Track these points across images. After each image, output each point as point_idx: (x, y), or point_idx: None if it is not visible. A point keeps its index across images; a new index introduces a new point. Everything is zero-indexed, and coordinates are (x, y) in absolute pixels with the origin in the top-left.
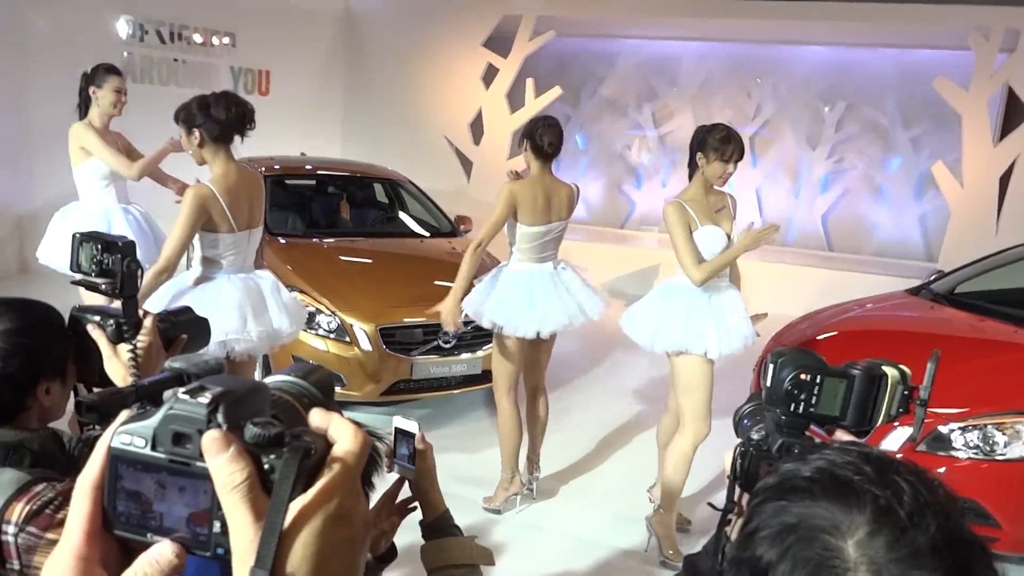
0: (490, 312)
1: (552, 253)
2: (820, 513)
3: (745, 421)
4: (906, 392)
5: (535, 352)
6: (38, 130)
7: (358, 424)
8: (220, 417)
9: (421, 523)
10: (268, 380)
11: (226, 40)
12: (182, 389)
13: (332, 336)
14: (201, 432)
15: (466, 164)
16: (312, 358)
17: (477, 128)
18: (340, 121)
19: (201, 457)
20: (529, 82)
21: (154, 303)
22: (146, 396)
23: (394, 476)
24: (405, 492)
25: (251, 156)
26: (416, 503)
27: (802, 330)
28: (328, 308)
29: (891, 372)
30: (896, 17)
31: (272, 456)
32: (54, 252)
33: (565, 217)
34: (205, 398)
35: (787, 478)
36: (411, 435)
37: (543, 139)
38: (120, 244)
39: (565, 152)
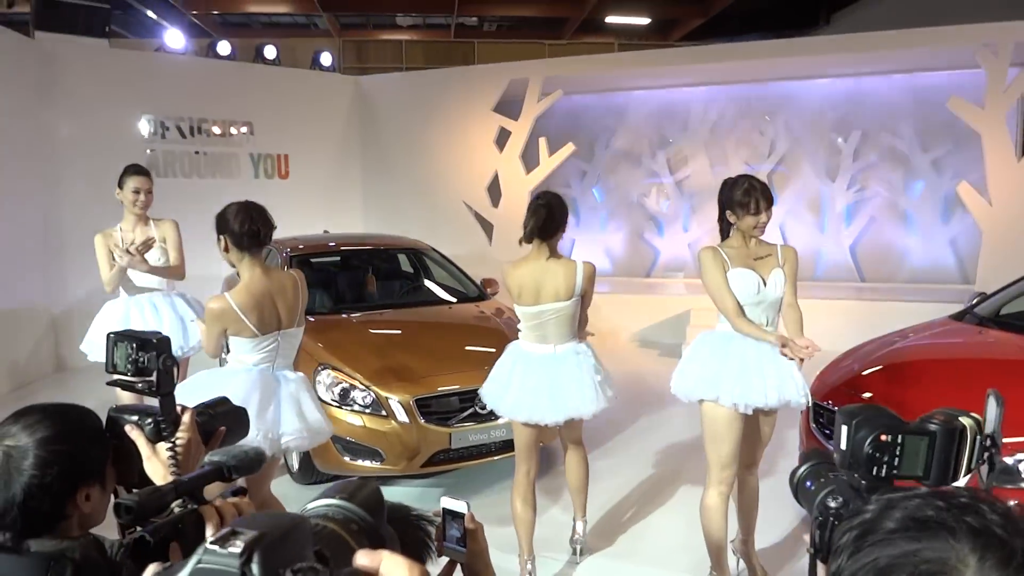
0: (487, 394)
1: (555, 334)
2: (922, 556)
3: (808, 484)
4: (983, 442)
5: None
6: (69, 231)
7: (416, 562)
8: (256, 569)
9: None
10: (310, 506)
11: (244, 129)
12: (211, 538)
13: (368, 411)
14: None
15: (487, 227)
16: (349, 435)
17: (495, 191)
18: (360, 196)
19: None
20: (542, 141)
21: (183, 391)
22: (186, 493)
23: (444, 560)
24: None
25: (275, 238)
26: None
27: (847, 366)
28: (362, 383)
29: (968, 423)
30: (904, 42)
31: None
32: (99, 345)
33: (564, 298)
34: (236, 547)
35: (868, 531)
36: (460, 515)
37: (526, 223)
38: (155, 341)
39: (584, 206)
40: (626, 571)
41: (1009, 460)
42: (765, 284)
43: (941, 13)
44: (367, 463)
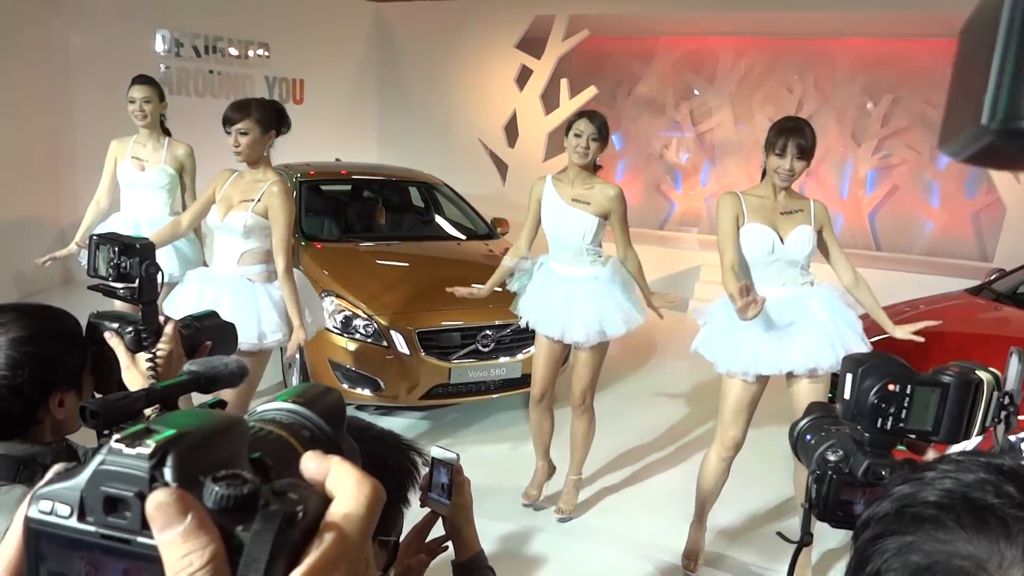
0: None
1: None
2: (959, 550)
3: (808, 438)
4: (1001, 398)
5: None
6: (79, 144)
7: (371, 477)
8: (169, 472)
9: (453, 563)
10: (259, 408)
11: (260, 51)
12: (117, 435)
13: (369, 340)
14: (143, 496)
15: (501, 167)
16: (349, 363)
17: (512, 130)
18: (375, 127)
19: (145, 530)
20: (563, 83)
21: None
22: (159, 401)
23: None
24: (438, 529)
25: (287, 163)
26: (449, 541)
27: None
28: (365, 312)
29: (985, 376)
30: (944, 4)
31: (241, 527)
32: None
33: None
34: (147, 447)
35: (907, 505)
36: (449, 465)
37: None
38: (138, 246)
39: (602, 153)
40: (618, 517)
41: (1013, 438)
42: (783, 242)
43: None
44: (366, 392)
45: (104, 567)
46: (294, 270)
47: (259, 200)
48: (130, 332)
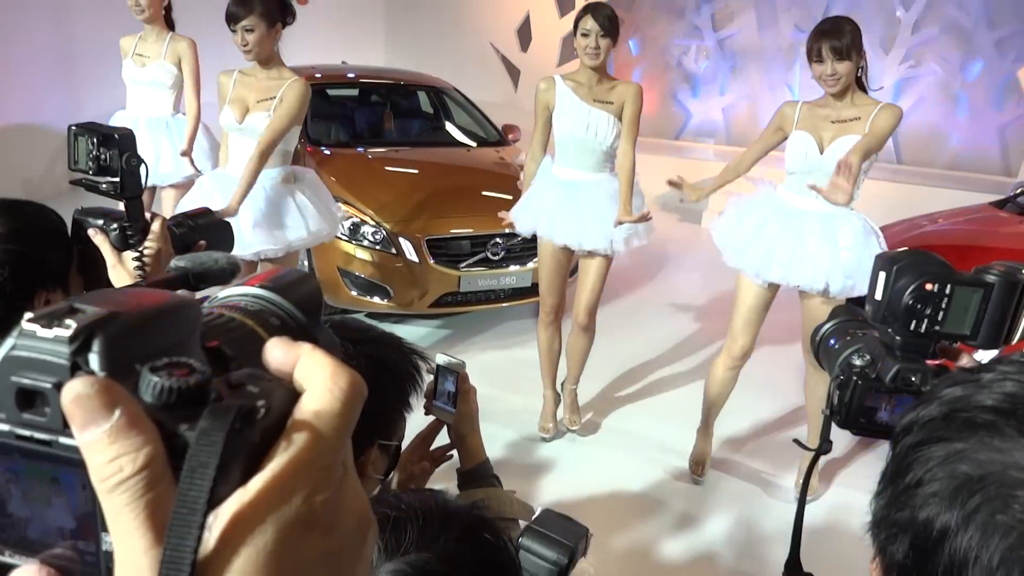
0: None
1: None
2: (1018, 460)
3: (832, 342)
4: None
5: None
6: (85, 44)
7: (344, 361)
8: (95, 359)
9: (458, 471)
10: (221, 294)
11: None
12: (30, 314)
13: (378, 247)
14: (61, 387)
15: (513, 72)
16: (358, 270)
17: (525, 34)
18: (383, 29)
19: (68, 429)
20: None
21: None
22: None
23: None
24: (443, 437)
25: (293, 65)
26: (454, 450)
27: None
28: (373, 219)
29: None
30: None
31: (186, 426)
32: None
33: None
34: (67, 327)
35: (958, 409)
36: (455, 372)
37: None
38: (117, 137)
39: (618, 59)
40: (626, 424)
41: None
42: (822, 152)
43: None
44: (375, 299)
45: (25, 474)
46: (313, 172)
47: (280, 99)
48: (115, 229)
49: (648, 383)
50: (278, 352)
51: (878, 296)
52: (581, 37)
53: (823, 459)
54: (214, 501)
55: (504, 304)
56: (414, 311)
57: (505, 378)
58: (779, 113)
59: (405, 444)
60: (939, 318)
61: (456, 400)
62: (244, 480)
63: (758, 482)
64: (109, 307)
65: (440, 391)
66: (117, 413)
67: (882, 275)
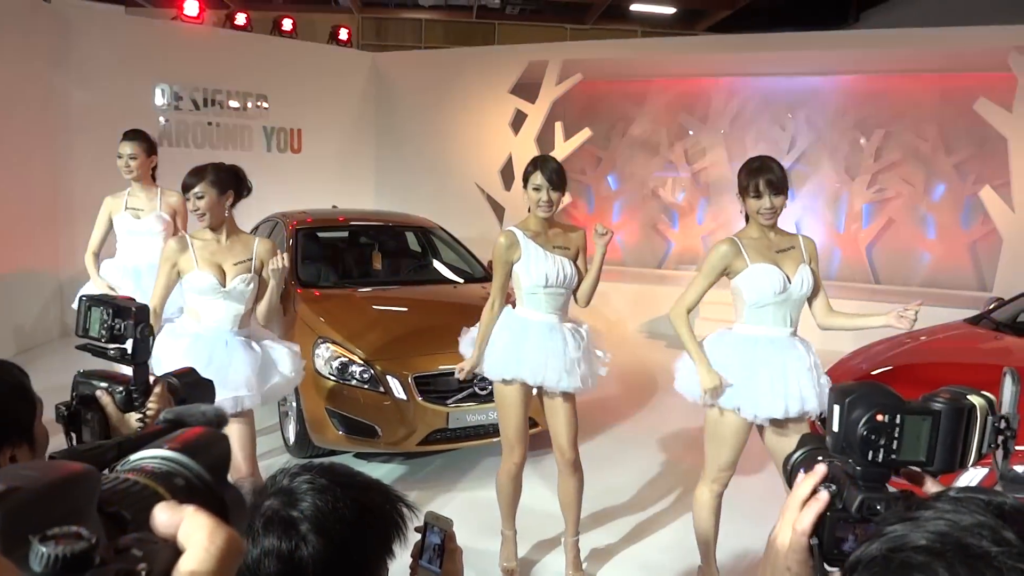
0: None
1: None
2: None
3: (802, 472)
4: (996, 423)
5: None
6: (79, 198)
7: (223, 521)
8: None
9: None
10: (133, 457)
11: (259, 103)
12: None
13: (366, 387)
14: None
15: (498, 210)
16: (346, 410)
17: (508, 174)
18: (372, 174)
19: None
20: (558, 126)
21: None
22: (131, 452)
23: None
24: None
25: (285, 211)
26: None
27: (856, 366)
28: (361, 359)
29: (978, 401)
30: (933, 42)
31: None
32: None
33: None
34: None
35: (896, 548)
36: (442, 531)
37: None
38: (134, 310)
39: (598, 194)
40: (624, 569)
41: (1020, 469)
42: (790, 281)
43: (973, 14)
44: (363, 439)
45: None
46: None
47: (253, 259)
48: (121, 392)
49: (641, 522)
50: (163, 516)
51: (835, 428)
52: (533, 191)
53: None
54: None
55: (494, 439)
56: (403, 450)
57: (491, 520)
58: (719, 255)
59: None
60: (894, 447)
61: (442, 559)
62: None
63: None
64: (9, 482)
65: (427, 546)
66: None
67: (836, 408)
